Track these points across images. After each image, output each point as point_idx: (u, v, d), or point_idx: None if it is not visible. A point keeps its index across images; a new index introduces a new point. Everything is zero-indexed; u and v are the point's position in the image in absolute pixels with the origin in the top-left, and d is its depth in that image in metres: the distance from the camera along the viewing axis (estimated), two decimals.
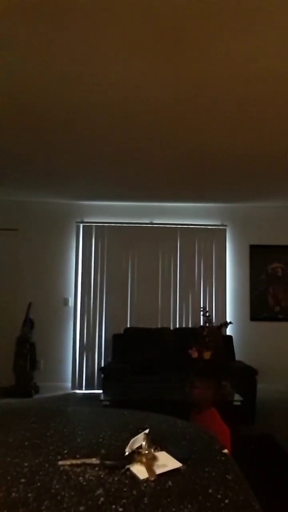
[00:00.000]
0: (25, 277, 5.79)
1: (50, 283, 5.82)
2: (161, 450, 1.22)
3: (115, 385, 4.32)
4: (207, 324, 3.51)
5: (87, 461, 1.16)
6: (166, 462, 1.15)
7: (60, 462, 1.17)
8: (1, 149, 3.84)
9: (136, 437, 1.26)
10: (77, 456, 1.22)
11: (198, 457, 1.21)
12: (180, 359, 4.57)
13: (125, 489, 1.01)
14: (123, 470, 1.10)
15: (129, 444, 1.23)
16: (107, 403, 3.72)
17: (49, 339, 5.72)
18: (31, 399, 5.23)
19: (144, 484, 1.03)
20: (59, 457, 1.22)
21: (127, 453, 1.19)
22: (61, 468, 1.14)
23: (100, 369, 5.01)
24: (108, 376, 4.56)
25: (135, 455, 1.17)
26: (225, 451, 1.24)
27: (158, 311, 5.79)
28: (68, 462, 1.17)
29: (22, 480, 1.06)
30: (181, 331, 5.39)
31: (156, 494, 0.98)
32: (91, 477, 1.07)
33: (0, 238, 5.77)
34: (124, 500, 0.95)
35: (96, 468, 1.13)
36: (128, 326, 5.64)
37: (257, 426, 4.19)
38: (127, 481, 1.05)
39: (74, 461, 1.17)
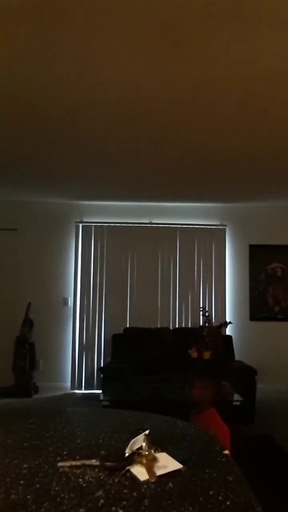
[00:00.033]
0: (25, 277, 5.78)
1: (50, 283, 5.81)
2: (162, 451, 1.21)
3: (114, 385, 4.31)
4: (206, 324, 3.50)
5: (87, 462, 1.16)
6: (167, 463, 1.15)
7: (59, 464, 1.16)
8: (1, 149, 3.83)
9: (136, 438, 1.25)
10: (77, 457, 1.21)
11: (198, 458, 1.20)
12: (179, 359, 4.58)
13: (125, 491, 1.00)
14: (123, 472, 1.10)
15: (129, 445, 1.22)
16: (107, 403, 3.71)
17: (48, 339, 5.71)
18: (31, 399, 5.22)
19: (145, 486, 1.03)
20: (58, 458, 1.21)
21: (127, 454, 1.18)
22: (61, 469, 1.13)
23: (100, 369, 5.00)
24: (108, 376, 4.55)
25: (135, 456, 1.17)
26: (226, 452, 1.24)
27: (158, 311, 5.78)
28: (67, 463, 1.16)
29: (21, 481, 1.06)
30: (180, 331, 5.39)
31: (156, 496, 0.98)
32: (91, 479, 1.07)
33: None
34: (124, 502, 0.94)
35: (96, 470, 1.12)
36: (128, 326, 5.63)
37: (257, 426, 4.18)
38: (127, 483, 1.04)
39: (73, 463, 1.16)
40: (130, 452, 1.19)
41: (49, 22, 2.00)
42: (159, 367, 4.91)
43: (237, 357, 5.27)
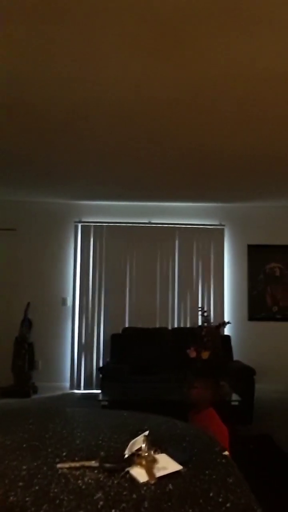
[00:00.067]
0: (24, 277, 5.76)
1: (49, 283, 5.80)
2: (161, 452, 1.21)
3: (113, 385, 4.31)
4: (205, 324, 3.51)
5: (86, 464, 1.15)
6: (166, 464, 1.14)
7: (58, 465, 1.16)
8: (0, 149, 3.82)
9: (136, 439, 1.25)
10: (76, 458, 1.21)
11: (198, 459, 1.20)
12: (178, 359, 4.57)
13: (124, 493, 1.00)
14: (122, 473, 1.09)
15: (128, 446, 1.22)
16: (106, 403, 3.71)
17: (47, 339, 5.70)
18: (29, 399, 5.21)
19: (144, 488, 1.02)
20: (57, 459, 1.21)
21: (126, 456, 1.18)
22: (60, 471, 1.13)
23: (99, 369, 5.00)
24: (107, 376, 4.55)
25: (135, 457, 1.16)
26: (226, 453, 1.24)
27: (157, 311, 5.77)
28: (66, 465, 1.16)
29: (20, 483, 1.05)
30: (179, 331, 5.38)
31: (156, 498, 0.97)
32: (90, 480, 1.06)
33: None
34: (124, 504, 0.94)
35: (95, 471, 1.12)
36: (127, 326, 5.63)
37: (255, 426, 4.19)
38: (126, 485, 1.04)
39: (73, 464, 1.16)
40: (130, 453, 1.18)
41: (49, 22, 1.99)
42: (157, 367, 4.91)
43: (235, 357, 5.27)
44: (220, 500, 0.95)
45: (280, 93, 2.66)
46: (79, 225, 5.85)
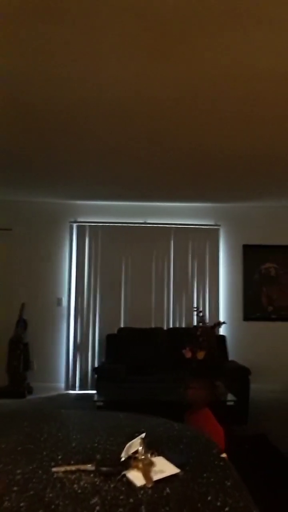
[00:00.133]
0: (19, 277, 5.73)
1: (44, 283, 5.77)
2: (158, 455, 1.19)
3: (108, 386, 4.29)
4: (200, 324, 3.50)
5: (82, 467, 1.13)
6: (164, 467, 1.13)
7: (54, 469, 1.14)
8: None
9: (132, 441, 1.23)
10: (72, 462, 1.19)
11: (196, 462, 1.19)
12: (174, 359, 4.57)
13: (121, 497, 0.98)
14: (119, 477, 1.08)
15: (125, 449, 1.20)
16: (101, 403, 3.69)
17: (42, 340, 5.67)
18: (25, 400, 5.18)
19: (141, 492, 1.01)
20: (53, 463, 1.19)
21: (123, 459, 1.16)
22: (55, 475, 1.11)
23: (94, 369, 4.98)
24: (102, 376, 4.53)
25: (131, 460, 1.15)
26: (223, 455, 1.22)
27: (152, 311, 5.76)
28: (62, 468, 1.14)
29: (15, 488, 1.03)
30: (175, 331, 5.38)
31: (153, 502, 0.96)
32: (86, 485, 1.05)
33: None
34: (121, 509, 0.92)
35: (91, 475, 1.10)
36: (122, 326, 5.61)
37: (250, 426, 4.19)
38: (123, 489, 1.02)
39: (68, 468, 1.14)
40: (126, 456, 1.17)
41: (49, 22, 1.99)
42: (153, 367, 4.89)
43: (230, 357, 5.27)
44: (219, 504, 0.94)
45: (280, 93, 2.66)
46: (75, 225, 5.82)
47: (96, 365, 5.50)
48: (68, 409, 4.35)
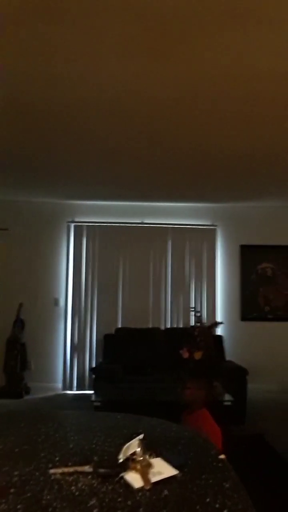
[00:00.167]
0: (16, 278, 5.71)
1: (41, 283, 5.75)
2: (156, 457, 1.19)
3: (106, 386, 4.28)
4: (198, 324, 3.49)
5: (80, 469, 1.13)
6: (162, 469, 1.12)
7: (51, 471, 1.13)
8: None
9: (130, 442, 1.22)
10: (69, 463, 1.18)
11: (194, 463, 1.18)
12: (171, 359, 4.55)
13: (119, 499, 0.97)
14: (117, 479, 1.07)
15: (122, 450, 1.19)
16: (98, 403, 3.68)
17: (39, 340, 5.65)
18: (22, 400, 5.16)
19: (139, 493, 1.00)
20: (50, 465, 1.18)
21: (121, 460, 1.15)
22: (53, 477, 1.10)
23: (91, 369, 4.97)
24: (99, 376, 4.52)
25: (129, 462, 1.14)
26: (222, 456, 1.22)
27: (149, 311, 5.75)
28: (59, 470, 1.13)
29: (12, 490, 1.02)
30: (172, 331, 5.37)
31: (151, 504, 0.95)
32: (83, 487, 1.04)
33: None
34: (119, 511, 0.92)
35: (89, 477, 1.09)
36: (119, 326, 5.60)
37: (248, 426, 4.19)
38: (121, 490, 1.02)
39: (66, 469, 1.13)
40: (124, 457, 1.16)
41: (49, 22, 1.98)
42: (150, 368, 4.89)
43: (228, 357, 5.27)
44: (217, 506, 0.93)
45: (280, 93, 2.66)
46: (72, 225, 5.81)
47: (93, 365, 5.49)
48: (66, 409, 4.34)
